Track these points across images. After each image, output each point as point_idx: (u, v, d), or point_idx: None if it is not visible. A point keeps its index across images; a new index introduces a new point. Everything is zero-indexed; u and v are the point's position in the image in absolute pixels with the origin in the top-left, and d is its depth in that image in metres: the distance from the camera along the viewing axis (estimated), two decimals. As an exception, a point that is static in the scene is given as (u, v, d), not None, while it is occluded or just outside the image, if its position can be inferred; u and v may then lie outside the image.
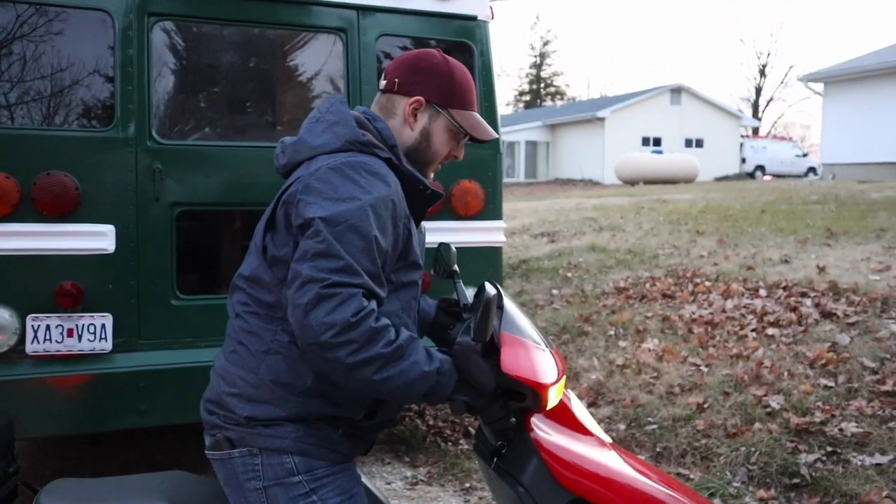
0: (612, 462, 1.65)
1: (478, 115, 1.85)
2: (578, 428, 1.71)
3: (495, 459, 1.70)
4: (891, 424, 3.69)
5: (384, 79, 1.83)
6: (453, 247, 2.04)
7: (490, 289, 1.67)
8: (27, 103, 3.36)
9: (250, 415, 1.65)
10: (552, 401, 1.66)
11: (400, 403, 1.65)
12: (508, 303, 1.77)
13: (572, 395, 1.78)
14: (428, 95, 1.77)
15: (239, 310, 1.72)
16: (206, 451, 1.75)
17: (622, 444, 4.26)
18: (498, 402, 1.64)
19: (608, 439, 1.74)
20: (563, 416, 1.71)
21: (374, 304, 1.53)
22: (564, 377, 1.72)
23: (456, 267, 2.01)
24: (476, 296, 1.66)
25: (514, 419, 1.66)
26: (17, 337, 3.23)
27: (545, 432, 1.65)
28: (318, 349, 1.48)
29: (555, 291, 7.29)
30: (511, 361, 1.61)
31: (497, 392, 1.62)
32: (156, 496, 1.71)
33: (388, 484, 3.94)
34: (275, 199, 1.70)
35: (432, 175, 1.87)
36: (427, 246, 1.98)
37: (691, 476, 3.69)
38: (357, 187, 1.58)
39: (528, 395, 1.63)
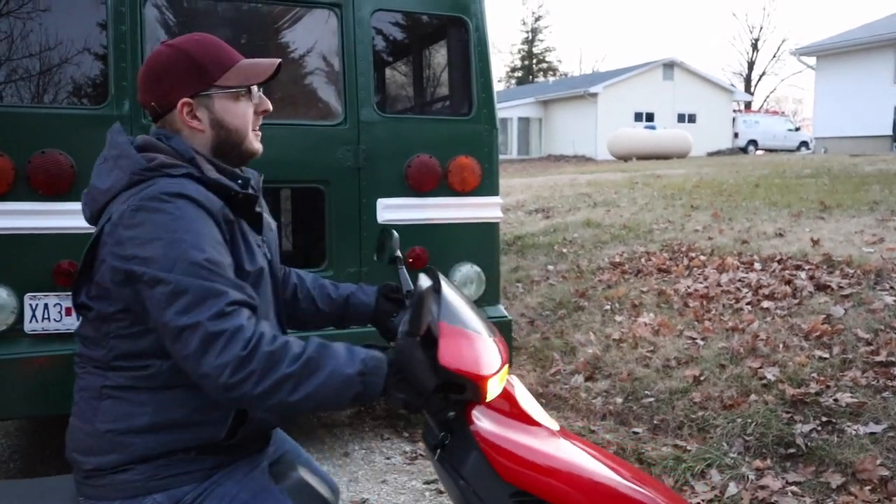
0: (557, 451, 1.59)
1: (246, 61, 1.66)
2: (523, 417, 1.64)
3: (438, 451, 1.63)
4: (885, 394, 3.73)
5: (144, 109, 1.69)
6: (395, 233, 1.98)
7: (424, 280, 1.59)
8: (21, 81, 3.33)
9: (95, 466, 1.56)
10: (492, 392, 1.58)
11: (327, 410, 1.56)
12: (448, 290, 1.67)
13: (517, 383, 1.72)
14: (187, 92, 1.61)
15: (76, 360, 1.65)
16: None
17: (619, 418, 4.31)
18: (438, 394, 1.54)
19: (556, 426, 1.68)
20: (506, 406, 1.64)
21: (263, 327, 1.45)
22: (507, 366, 1.64)
23: (399, 253, 1.95)
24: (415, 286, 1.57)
25: (452, 413, 1.58)
26: (16, 316, 3.23)
27: (485, 424, 1.58)
28: (223, 392, 1.40)
29: (550, 267, 7.31)
30: (449, 354, 1.51)
31: (437, 386, 1.52)
32: (68, 495, 1.64)
33: (388, 459, 3.98)
34: (86, 252, 1.58)
35: (258, 145, 1.72)
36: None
37: (688, 447, 3.74)
38: (167, 216, 1.47)
39: (467, 388, 1.54)
